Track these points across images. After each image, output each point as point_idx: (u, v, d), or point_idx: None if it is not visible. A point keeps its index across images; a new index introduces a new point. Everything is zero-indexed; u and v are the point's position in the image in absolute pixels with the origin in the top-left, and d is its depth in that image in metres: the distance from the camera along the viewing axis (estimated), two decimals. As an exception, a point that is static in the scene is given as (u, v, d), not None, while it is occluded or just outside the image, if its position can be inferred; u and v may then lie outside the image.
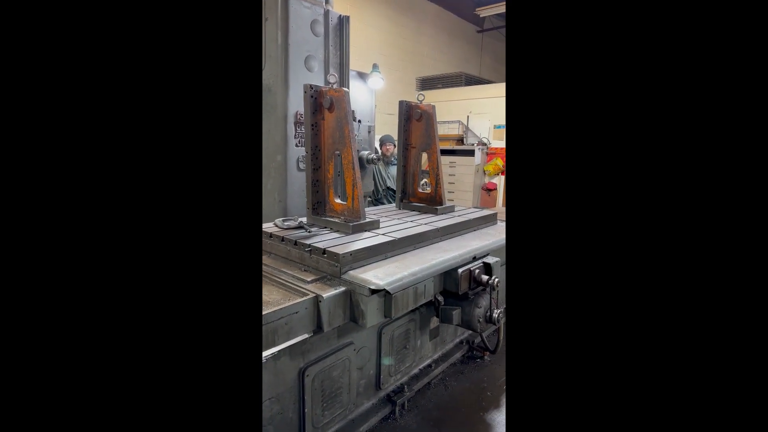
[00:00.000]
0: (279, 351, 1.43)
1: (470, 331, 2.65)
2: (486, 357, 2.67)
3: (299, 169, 2.71)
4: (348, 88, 2.97)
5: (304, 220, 2.13)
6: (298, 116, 2.64)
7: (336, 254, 1.57)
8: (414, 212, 2.57)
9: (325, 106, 2.00)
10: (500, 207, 6.42)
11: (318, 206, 2.11)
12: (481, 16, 8.45)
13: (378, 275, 1.54)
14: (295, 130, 2.67)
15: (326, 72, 2.80)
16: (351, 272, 1.57)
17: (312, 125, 2.03)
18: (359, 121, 3.24)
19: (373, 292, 1.47)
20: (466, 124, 7.16)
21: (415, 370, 2.25)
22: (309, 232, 1.91)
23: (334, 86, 1.98)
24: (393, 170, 4.53)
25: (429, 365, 2.35)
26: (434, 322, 2.27)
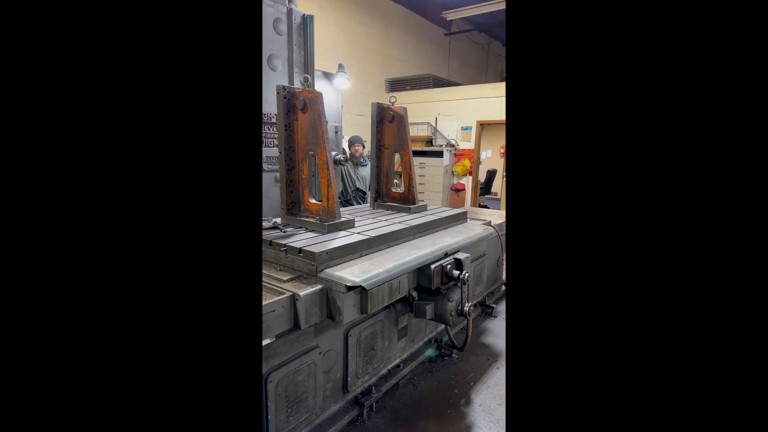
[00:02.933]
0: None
1: (438, 331, 2.72)
2: (454, 354, 2.72)
3: (264, 171, 2.68)
4: (314, 86, 2.97)
5: (278, 220, 2.13)
6: (262, 116, 2.61)
7: (312, 253, 1.60)
8: (388, 211, 2.63)
9: (298, 107, 2.01)
10: (468, 207, 6.62)
11: (292, 206, 2.12)
12: (447, 19, 8.65)
13: (354, 272, 1.58)
14: (258, 130, 2.64)
15: (290, 71, 2.78)
16: (327, 270, 1.60)
17: (285, 126, 2.03)
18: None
19: (350, 288, 1.50)
20: (434, 125, 7.32)
21: (384, 371, 2.24)
22: (284, 232, 1.92)
23: (307, 87, 2.00)
24: (362, 171, 4.47)
25: (398, 365, 2.36)
26: (402, 321, 2.33)
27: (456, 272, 1.97)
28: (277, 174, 2.78)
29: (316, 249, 1.62)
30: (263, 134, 2.67)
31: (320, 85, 3.20)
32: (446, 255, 2.02)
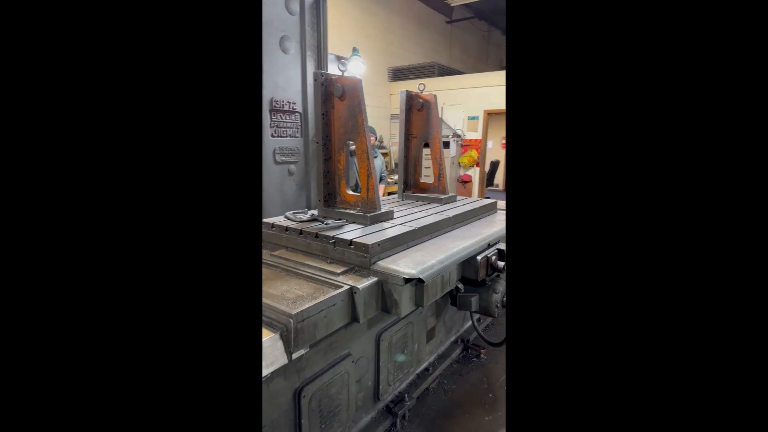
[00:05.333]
0: (272, 373, 1.25)
1: (464, 329, 2.69)
2: (482, 355, 2.64)
3: (276, 162, 2.54)
4: (327, 71, 2.84)
5: (314, 212, 2.08)
6: (274, 103, 2.49)
7: (365, 245, 1.55)
8: (418, 202, 2.59)
9: (335, 95, 1.94)
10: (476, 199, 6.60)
11: (329, 198, 2.07)
12: (451, 5, 8.52)
13: (408, 264, 1.54)
14: (271, 118, 2.48)
15: (303, 54, 2.65)
16: (380, 263, 1.56)
17: (322, 114, 1.97)
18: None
19: (407, 281, 1.47)
20: (440, 115, 7.25)
21: (413, 376, 2.18)
22: (326, 224, 1.87)
23: (345, 74, 1.93)
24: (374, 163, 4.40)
25: (426, 369, 2.29)
26: (431, 322, 2.28)
27: (501, 263, 1.94)
28: (291, 166, 2.70)
29: (367, 241, 1.57)
30: (276, 123, 2.56)
31: (332, 69, 3.08)
32: (489, 246, 1.99)
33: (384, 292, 1.52)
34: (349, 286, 1.42)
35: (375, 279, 1.50)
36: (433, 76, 7.47)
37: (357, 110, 1.90)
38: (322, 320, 1.31)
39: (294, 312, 1.20)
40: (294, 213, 2.06)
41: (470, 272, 1.87)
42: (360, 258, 1.57)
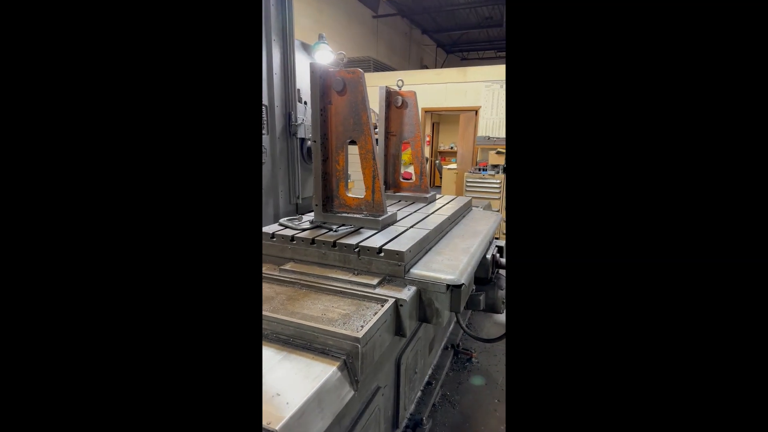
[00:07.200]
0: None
1: (449, 333, 2.71)
2: (474, 359, 2.64)
3: None
4: (294, 59, 2.61)
5: (310, 218, 1.89)
6: None
7: (399, 252, 1.45)
8: (401, 202, 2.53)
9: (335, 90, 1.78)
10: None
11: (327, 202, 1.90)
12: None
13: (443, 269, 1.49)
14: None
15: (269, 38, 2.39)
16: (413, 270, 1.48)
17: (320, 111, 1.79)
18: (305, 103, 2.92)
19: (449, 287, 1.42)
20: (378, 112, 7.23)
21: (419, 393, 2.11)
22: (335, 230, 1.71)
23: (344, 65, 1.78)
24: None
25: (429, 382, 2.23)
26: (430, 333, 2.21)
27: (503, 259, 2.00)
28: (258, 167, 2.45)
29: (401, 247, 1.47)
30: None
31: (299, 57, 2.82)
32: (489, 243, 2.03)
33: (423, 301, 1.45)
34: (394, 299, 1.32)
35: (414, 288, 1.41)
36: (369, 71, 7.40)
37: (361, 107, 1.77)
38: (378, 340, 1.20)
39: (360, 335, 1.07)
40: (289, 220, 1.85)
41: (480, 271, 1.88)
42: (392, 266, 1.47)
